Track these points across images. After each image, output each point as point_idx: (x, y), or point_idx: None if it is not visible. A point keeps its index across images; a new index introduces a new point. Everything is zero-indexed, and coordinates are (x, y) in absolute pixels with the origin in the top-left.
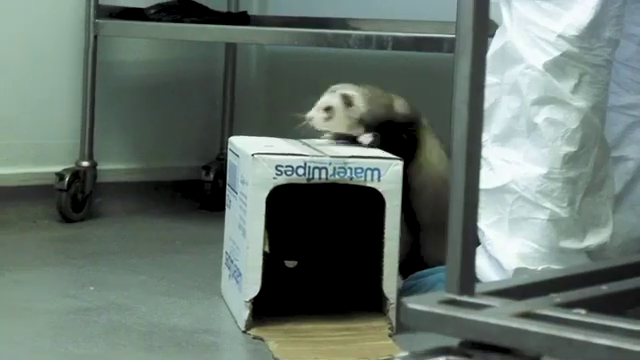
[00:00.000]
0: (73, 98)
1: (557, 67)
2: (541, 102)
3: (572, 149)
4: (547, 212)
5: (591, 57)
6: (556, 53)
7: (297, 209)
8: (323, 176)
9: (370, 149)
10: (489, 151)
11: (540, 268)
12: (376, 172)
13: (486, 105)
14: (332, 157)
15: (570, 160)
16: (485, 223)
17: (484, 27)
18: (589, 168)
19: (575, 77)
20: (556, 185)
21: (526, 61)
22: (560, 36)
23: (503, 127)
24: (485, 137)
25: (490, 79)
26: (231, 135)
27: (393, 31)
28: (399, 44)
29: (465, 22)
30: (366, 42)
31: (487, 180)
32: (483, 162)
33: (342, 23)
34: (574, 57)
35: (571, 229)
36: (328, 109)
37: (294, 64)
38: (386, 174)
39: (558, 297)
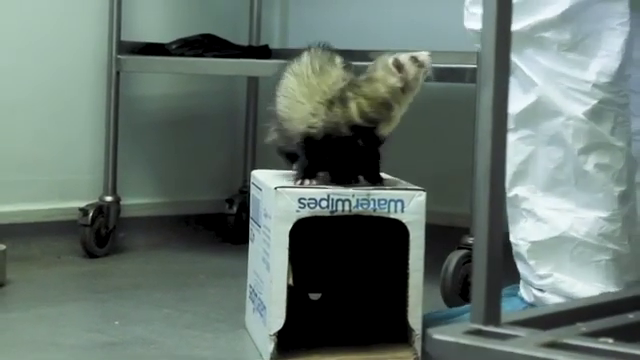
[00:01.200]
0: (96, 134)
1: (596, 114)
2: (588, 150)
3: (623, 188)
4: (610, 252)
5: (620, 98)
6: (594, 102)
7: (321, 241)
8: (346, 208)
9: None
10: (534, 203)
11: None
12: (399, 203)
13: (522, 158)
14: (355, 189)
15: (623, 199)
16: (540, 274)
17: (506, 58)
18: (636, 201)
19: (611, 120)
20: (617, 225)
21: (565, 113)
22: (595, 85)
23: (546, 178)
24: (525, 190)
25: (524, 132)
26: (254, 168)
27: None
28: None
29: (487, 53)
30: None
31: (537, 232)
32: (528, 214)
33: (363, 54)
34: (609, 102)
35: (631, 263)
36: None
37: None
38: (409, 205)
39: (584, 326)
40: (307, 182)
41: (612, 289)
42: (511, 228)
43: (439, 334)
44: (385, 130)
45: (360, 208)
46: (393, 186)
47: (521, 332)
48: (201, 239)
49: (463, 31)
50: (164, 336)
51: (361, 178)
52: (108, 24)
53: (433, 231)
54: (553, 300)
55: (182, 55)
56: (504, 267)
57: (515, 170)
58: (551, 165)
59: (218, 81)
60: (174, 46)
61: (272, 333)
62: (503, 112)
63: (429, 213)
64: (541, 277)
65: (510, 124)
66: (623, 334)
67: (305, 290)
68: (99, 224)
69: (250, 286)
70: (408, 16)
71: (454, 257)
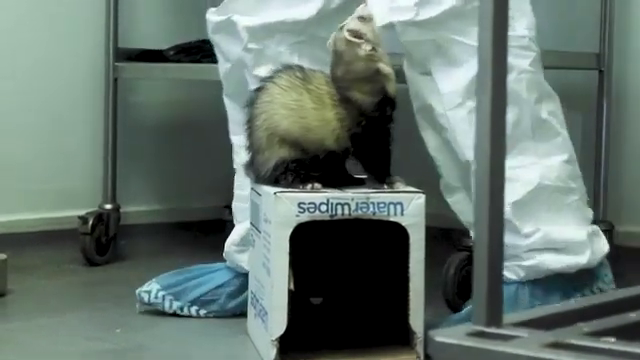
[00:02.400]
0: (95, 141)
1: (536, 65)
2: (540, 99)
3: (566, 131)
4: (576, 191)
5: (538, 49)
6: (533, 54)
7: (321, 245)
8: (346, 212)
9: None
10: None
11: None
12: (399, 206)
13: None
14: (354, 193)
15: (569, 140)
16: (526, 232)
17: (503, 59)
18: None
19: (543, 69)
20: (575, 165)
21: (515, 68)
22: (530, 39)
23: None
24: None
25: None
26: None
27: None
28: None
29: (484, 54)
30: None
31: (513, 192)
32: None
33: None
34: (539, 53)
35: (586, 201)
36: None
37: None
38: (409, 208)
39: (586, 326)
40: (309, 186)
41: (584, 228)
42: None
43: (441, 336)
44: (392, 89)
45: (360, 212)
46: (392, 189)
47: (523, 333)
48: (201, 245)
49: None
50: (165, 343)
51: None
52: (105, 31)
53: (433, 233)
54: (543, 260)
55: (180, 61)
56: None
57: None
58: (508, 124)
59: (216, 87)
60: (171, 52)
61: (274, 338)
62: (501, 113)
63: (429, 215)
64: (528, 235)
65: (457, 99)
66: (625, 333)
67: (306, 295)
68: (99, 232)
69: (251, 292)
70: None
71: (455, 259)
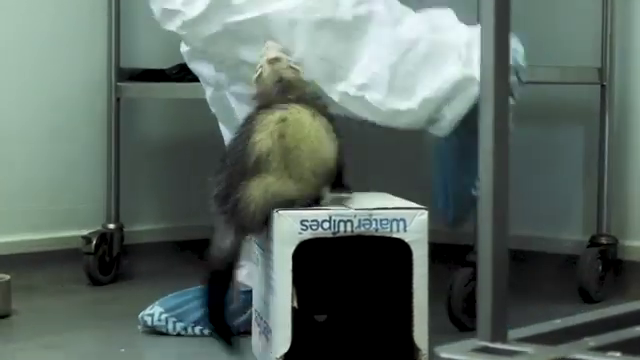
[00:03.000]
0: (98, 161)
1: None
2: None
3: None
4: None
5: None
6: None
7: (324, 262)
8: (349, 229)
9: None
10: None
11: None
12: (402, 222)
13: None
14: (357, 209)
15: None
16: None
17: (506, 73)
18: None
19: None
20: None
21: None
22: None
23: None
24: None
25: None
26: None
27: None
28: None
29: (486, 69)
30: None
31: None
32: None
33: None
34: None
35: None
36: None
37: None
38: (412, 224)
39: (592, 341)
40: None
41: None
42: None
43: (446, 352)
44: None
45: (362, 228)
46: (395, 205)
47: (529, 348)
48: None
49: None
50: None
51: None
52: (107, 51)
53: (437, 249)
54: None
55: (182, 80)
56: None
57: None
58: None
59: None
60: (174, 71)
61: (278, 356)
62: (504, 128)
63: (433, 231)
64: None
65: None
66: (631, 348)
67: (310, 312)
68: (103, 252)
69: (255, 310)
70: None
71: (459, 275)
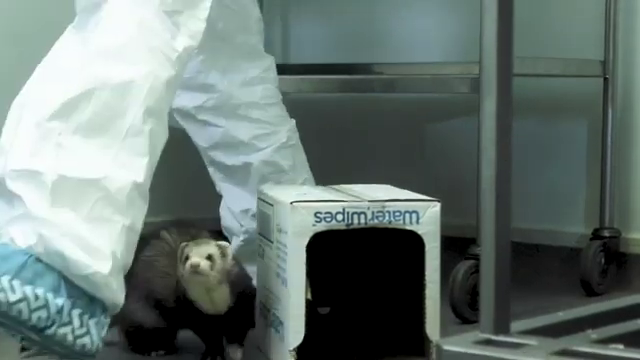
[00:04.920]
0: None
1: (169, 85)
2: (150, 113)
3: (156, 161)
4: (129, 221)
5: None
6: (172, 72)
7: (336, 254)
8: (362, 221)
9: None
10: (70, 139)
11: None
12: (414, 215)
13: (77, 93)
14: (370, 201)
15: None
16: (54, 210)
17: (508, 65)
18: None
19: (172, 100)
20: (144, 200)
21: (149, 67)
22: (179, 58)
23: (97, 121)
24: (63, 125)
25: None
26: None
27: (416, 73)
28: (423, 86)
29: (489, 61)
30: (390, 86)
31: (69, 167)
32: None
33: (365, 68)
34: (177, 79)
35: (135, 244)
36: (209, 257)
37: (319, 111)
38: (424, 216)
39: (594, 333)
40: None
41: (120, 255)
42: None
43: (449, 345)
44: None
45: (375, 220)
46: (407, 197)
47: (531, 340)
48: None
49: (465, 41)
50: (176, 356)
51: None
52: None
53: (441, 242)
54: (54, 238)
55: None
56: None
57: (65, 101)
58: (108, 112)
59: None
60: None
61: (291, 348)
62: (507, 119)
63: None
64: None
65: None
66: (633, 340)
67: (321, 304)
68: None
69: (261, 302)
70: (410, 28)
71: (462, 267)
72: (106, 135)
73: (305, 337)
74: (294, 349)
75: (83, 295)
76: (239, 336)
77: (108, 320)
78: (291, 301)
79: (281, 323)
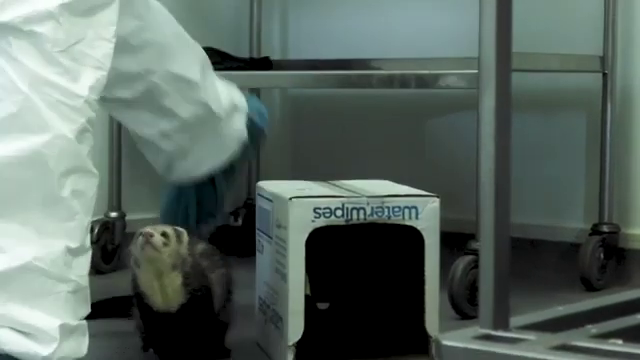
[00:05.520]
0: (99, 149)
1: (81, 135)
2: (68, 173)
3: (90, 218)
4: (72, 284)
5: (96, 118)
6: (82, 120)
7: (336, 250)
8: (361, 216)
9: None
10: None
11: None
12: (414, 210)
13: None
14: (369, 197)
15: (89, 229)
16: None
17: (507, 61)
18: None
19: (90, 142)
20: (83, 256)
21: (52, 130)
22: (86, 101)
23: (9, 202)
24: None
25: None
26: (258, 180)
27: (415, 69)
28: (422, 82)
29: (487, 56)
30: (389, 81)
31: None
32: None
33: (364, 64)
34: (92, 122)
35: (86, 297)
36: (164, 234)
37: (318, 107)
38: (424, 212)
39: (594, 328)
40: None
41: (61, 321)
42: None
43: (448, 340)
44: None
45: (375, 216)
46: (406, 193)
47: (531, 336)
48: None
49: (464, 37)
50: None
51: None
52: None
53: (440, 237)
54: (7, 337)
55: None
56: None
57: None
58: (13, 187)
59: None
60: None
61: (291, 344)
62: (506, 114)
63: None
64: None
65: None
66: (632, 335)
67: (321, 300)
68: (105, 240)
69: (260, 298)
70: (409, 24)
71: (460, 263)
72: (22, 212)
73: (304, 333)
74: (293, 344)
75: None
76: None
77: None
78: (290, 296)
79: (280, 319)
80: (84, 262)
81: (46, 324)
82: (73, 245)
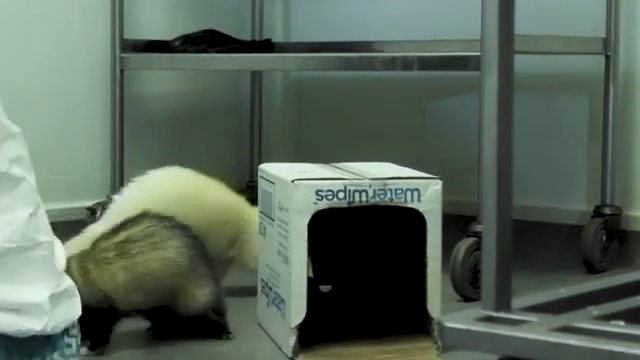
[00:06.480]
0: (102, 132)
1: None
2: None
3: (33, 175)
4: (45, 246)
5: None
6: None
7: (338, 232)
8: (364, 199)
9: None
10: None
11: None
12: (416, 192)
13: None
14: (372, 179)
15: (35, 185)
16: None
17: (510, 43)
18: None
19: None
20: (42, 215)
21: None
22: None
23: None
24: None
25: None
26: (260, 162)
27: (418, 51)
28: (424, 64)
29: (490, 39)
30: (391, 64)
31: None
32: None
33: (366, 46)
34: None
35: (60, 246)
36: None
37: (320, 89)
38: (426, 194)
39: (595, 310)
40: None
41: (47, 288)
42: None
43: (451, 322)
44: None
45: (377, 198)
46: (409, 175)
47: (533, 317)
48: None
49: (467, 19)
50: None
51: None
52: (110, 23)
53: (442, 220)
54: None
55: (185, 51)
56: (513, 254)
57: None
58: None
59: (222, 77)
60: (177, 43)
61: (293, 326)
62: (508, 97)
63: None
64: None
65: None
66: (634, 316)
67: (323, 282)
68: None
69: (262, 280)
70: (410, 7)
71: (463, 245)
72: None
73: (306, 315)
74: (295, 327)
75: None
76: None
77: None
78: (293, 279)
79: (283, 301)
80: (44, 216)
81: (34, 297)
82: (31, 209)
